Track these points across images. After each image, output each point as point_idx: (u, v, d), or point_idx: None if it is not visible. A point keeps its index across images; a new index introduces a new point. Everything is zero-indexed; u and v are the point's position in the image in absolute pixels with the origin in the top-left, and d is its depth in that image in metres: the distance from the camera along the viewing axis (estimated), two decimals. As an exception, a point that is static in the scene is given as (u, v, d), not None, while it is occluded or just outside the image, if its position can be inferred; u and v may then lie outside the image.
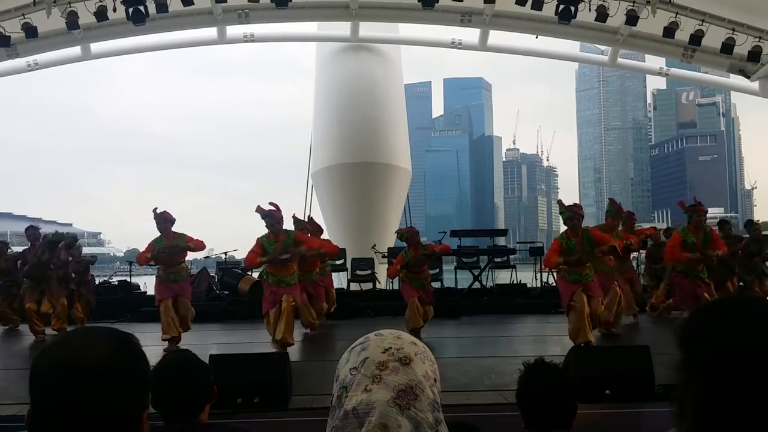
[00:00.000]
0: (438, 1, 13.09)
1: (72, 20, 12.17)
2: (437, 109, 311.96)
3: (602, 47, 17.97)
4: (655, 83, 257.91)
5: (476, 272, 14.13)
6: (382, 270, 14.89)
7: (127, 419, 1.10)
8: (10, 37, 12.42)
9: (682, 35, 13.37)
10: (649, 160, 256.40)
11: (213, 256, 17.67)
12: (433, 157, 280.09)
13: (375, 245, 13.96)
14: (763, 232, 10.96)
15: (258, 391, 5.06)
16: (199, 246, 9.14)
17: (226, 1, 13.10)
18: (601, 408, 4.84)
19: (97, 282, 13.22)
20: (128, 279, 15.22)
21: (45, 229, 10.83)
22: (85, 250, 12.63)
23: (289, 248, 8.11)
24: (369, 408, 1.09)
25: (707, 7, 13.13)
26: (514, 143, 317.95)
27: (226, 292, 12.73)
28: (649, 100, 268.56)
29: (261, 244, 8.20)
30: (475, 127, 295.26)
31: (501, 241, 18.57)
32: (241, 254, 15.62)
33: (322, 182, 20.40)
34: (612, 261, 8.99)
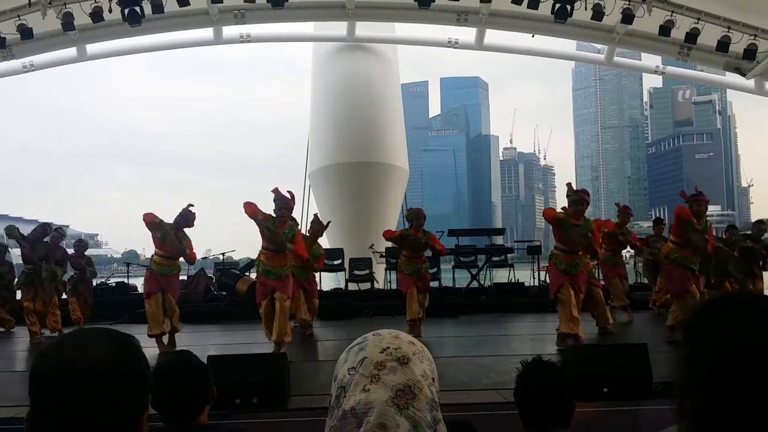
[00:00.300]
0: (434, 1, 13.10)
1: (67, 21, 12.16)
2: (434, 108, 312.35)
3: (598, 46, 17.99)
4: (652, 81, 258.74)
5: (474, 271, 14.13)
6: (380, 270, 14.90)
7: (127, 421, 1.10)
8: (5, 38, 12.41)
9: (678, 33, 13.40)
10: (646, 159, 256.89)
11: (211, 257, 17.68)
12: (430, 156, 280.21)
13: (373, 245, 13.95)
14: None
15: (256, 391, 5.05)
16: (192, 258, 9.15)
17: (222, 2, 13.10)
18: (598, 406, 4.84)
19: (94, 283, 13.18)
20: (126, 280, 15.19)
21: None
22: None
23: (281, 238, 8.02)
24: (367, 408, 1.09)
25: (703, 5, 13.16)
26: (511, 142, 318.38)
27: (224, 293, 12.72)
28: (646, 98, 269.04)
29: (269, 217, 7.99)
30: (472, 126, 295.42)
31: (498, 240, 18.59)
32: (238, 255, 15.63)
33: (319, 182, 20.40)
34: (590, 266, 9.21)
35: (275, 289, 7.96)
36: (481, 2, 13.42)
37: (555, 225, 8.20)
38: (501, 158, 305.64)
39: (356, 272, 14.17)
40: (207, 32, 15.24)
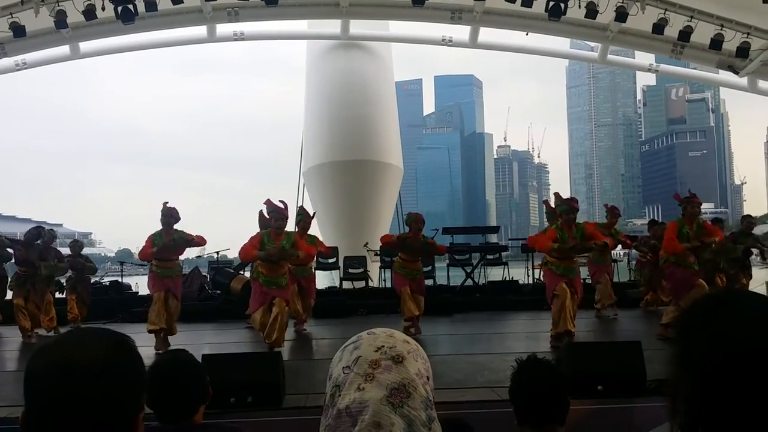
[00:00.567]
0: (428, -1, 13.11)
1: (60, 19, 12.12)
2: (428, 106, 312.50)
3: (592, 44, 18.03)
4: (645, 79, 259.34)
5: (468, 269, 14.14)
6: (374, 268, 14.90)
7: (122, 420, 1.09)
8: (-3, 36, 12.37)
9: (672, 31, 13.44)
10: (640, 156, 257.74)
11: (205, 256, 17.62)
12: (425, 154, 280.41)
13: (367, 243, 13.93)
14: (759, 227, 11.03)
15: (251, 390, 5.05)
16: (201, 241, 9.12)
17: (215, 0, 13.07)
18: (593, 404, 4.86)
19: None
20: (120, 279, 15.15)
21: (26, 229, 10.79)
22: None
23: (286, 252, 8.04)
24: (362, 406, 1.09)
25: (696, 3, 13.20)
26: (505, 140, 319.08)
27: (219, 292, 12.69)
28: (639, 96, 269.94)
29: (261, 238, 8.06)
30: (466, 124, 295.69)
31: (493, 238, 18.57)
32: (233, 253, 15.58)
33: (313, 180, 20.38)
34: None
35: (275, 297, 7.98)
36: (475, 0, 13.42)
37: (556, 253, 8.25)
38: (495, 156, 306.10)
39: (351, 271, 14.15)
40: (201, 30, 15.20)
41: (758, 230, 11.54)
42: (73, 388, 1.05)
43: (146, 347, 8.02)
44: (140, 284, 16.01)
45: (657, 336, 7.73)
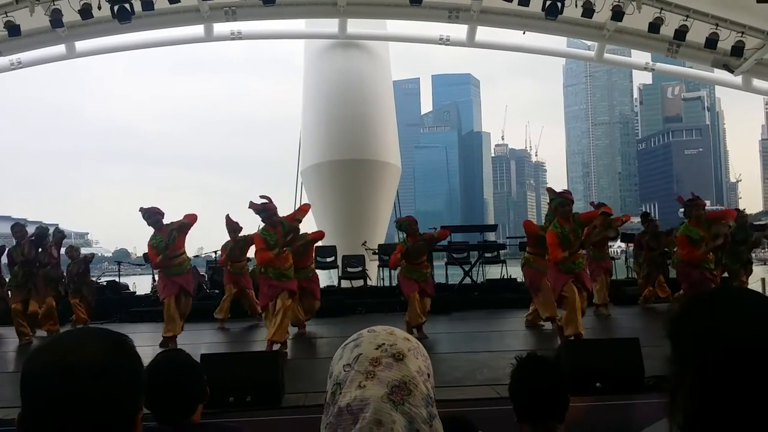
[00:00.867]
0: (425, -2, 13.11)
1: (56, 18, 12.08)
2: (426, 105, 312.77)
3: (589, 43, 18.04)
4: (642, 78, 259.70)
5: (467, 268, 14.15)
6: (372, 267, 14.89)
7: (120, 421, 1.09)
8: (-8, 35, 12.33)
9: (667, 30, 13.47)
10: (636, 155, 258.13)
11: (203, 255, 17.63)
12: (422, 153, 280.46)
13: (365, 242, 13.94)
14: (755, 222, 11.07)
15: (250, 389, 5.04)
16: (190, 218, 9.03)
17: (212, -1, 13.06)
18: (591, 400, 4.86)
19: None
20: (117, 279, 15.13)
21: (30, 229, 10.67)
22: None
23: (288, 237, 8.05)
24: (363, 404, 1.09)
25: (691, 2, 13.24)
26: (502, 139, 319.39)
27: (217, 291, 12.68)
28: (636, 94, 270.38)
29: (263, 239, 8.06)
30: (464, 123, 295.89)
31: (491, 236, 18.52)
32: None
33: (311, 179, 20.36)
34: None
35: (283, 289, 7.99)
36: (472, -1, 13.44)
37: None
38: (493, 155, 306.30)
39: (349, 269, 14.14)
40: (198, 29, 15.17)
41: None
42: (70, 389, 1.04)
43: (143, 347, 8.00)
44: (138, 284, 16.03)
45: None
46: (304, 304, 9.65)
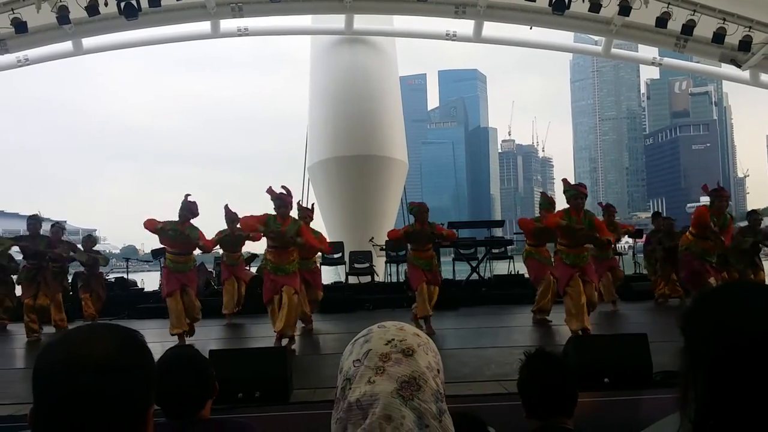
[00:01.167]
0: (431, -7, 13.07)
1: (62, 15, 12.09)
2: (432, 101, 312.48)
3: (596, 38, 17.97)
4: (649, 73, 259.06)
5: (474, 263, 14.14)
6: (380, 263, 14.91)
7: (132, 416, 1.09)
8: (-1, 32, 12.36)
9: (675, 25, 13.40)
10: (644, 150, 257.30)
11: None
12: (429, 149, 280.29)
13: (373, 238, 13.94)
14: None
15: (259, 385, 5.05)
16: (208, 247, 9.22)
17: (219, -5, 13.06)
18: (599, 396, 4.86)
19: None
20: (125, 276, 15.19)
21: (45, 225, 10.77)
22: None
23: (290, 237, 8.05)
24: (372, 399, 1.09)
25: (698, -3, 13.17)
26: (509, 134, 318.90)
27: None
28: (643, 89, 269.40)
29: (267, 219, 8.03)
30: (471, 118, 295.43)
31: (498, 232, 18.56)
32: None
33: (318, 176, 20.38)
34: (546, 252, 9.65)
35: (284, 284, 7.98)
36: (478, -6, 13.39)
37: (560, 231, 8.19)
38: (499, 150, 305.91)
39: (356, 265, 14.17)
40: (204, 25, 15.18)
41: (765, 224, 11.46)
42: (82, 384, 1.04)
43: (151, 343, 8.03)
44: (146, 280, 16.09)
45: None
46: (308, 295, 9.67)
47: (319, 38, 19.87)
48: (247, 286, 11.34)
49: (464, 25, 16.16)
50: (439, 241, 9.56)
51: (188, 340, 8.57)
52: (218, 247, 10.65)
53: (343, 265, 14.19)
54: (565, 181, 8.49)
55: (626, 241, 17.60)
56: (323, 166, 19.86)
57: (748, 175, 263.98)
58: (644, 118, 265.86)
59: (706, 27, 13.35)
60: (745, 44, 13.46)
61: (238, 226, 9.53)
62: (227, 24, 15.18)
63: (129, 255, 21.98)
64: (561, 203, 8.79)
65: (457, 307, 11.47)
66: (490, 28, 16.12)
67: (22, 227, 10.71)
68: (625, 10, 13.04)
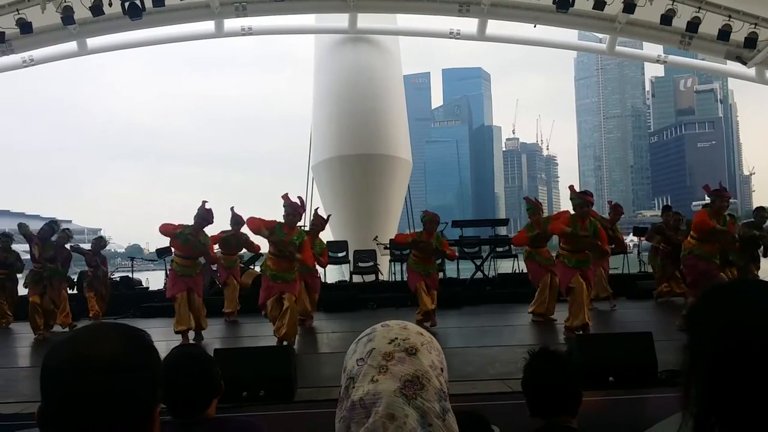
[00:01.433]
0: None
1: (67, 15, 12.13)
2: (436, 99, 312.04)
3: (600, 35, 17.92)
4: (654, 71, 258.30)
5: (478, 262, 14.13)
6: (384, 262, 14.90)
7: (138, 415, 1.10)
8: (4, 32, 12.39)
9: (680, 22, 13.37)
10: (649, 148, 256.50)
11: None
12: (433, 147, 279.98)
13: (377, 237, 13.93)
14: None
15: (263, 384, 5.07)
16: (213, 259, 9.54)
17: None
18: (604, 395, 4.85)
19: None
20: (130, 275, 15.22)
21: (37, 225, 10.89)
22: (86, 247, 12.63)
23: (289, 251, 8.06)
24: (376, 398, 1.09)
25: (704, -7, 13.12)
26: (513, 133, 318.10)
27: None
28: (648, 87, 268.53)
29: (274, 227, 8.07)
30: (475, 117, 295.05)
31: (502, 230, 18.49)
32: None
33: (322, 174, 20.37)
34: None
35: (283, 291, 8.02)
36: (482, -8, 13.37)
37: (564, 237, 8.28)
38: (504, 149, 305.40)
39: (360, 264, 14.17)
40: (208, 25, 15.21)
41: None
42: (89, 383, 1.05)
43: (160, 342, 8.05)
44: (150, 280, 16.12)
45: (677, 327, 7.63)
46: (309, 297, 9.93)
47: (323, 37, 19.86)
48: (252, 284, 11.37)
49: (468, 23, 16.16)
50: (440, 255, 9.74)
51: (193, 340, 8.60)
52: (217, 246, 10.69)
53: (347, 264, 14.19)
54: (571, 188, 8.59)
55: (631, 239, 17.57)
56: (327, 165, 19.86)
57: (754, 173, 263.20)
58: (649, 116, 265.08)
59: (711, 24, 13.30)
60: (751, 41, 13.41)
61: (244, 226, 9.63)
62: (231, 23, 15.20)
63: (134, 254, 22.04)
64: (562, 204, 8.84)
65: (461, 306, 11.48)
66: (494, 26, 16.10)
67: (29, 226, 10.76)
68: (629, 7, 13.02)
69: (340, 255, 14.15)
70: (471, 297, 12.15)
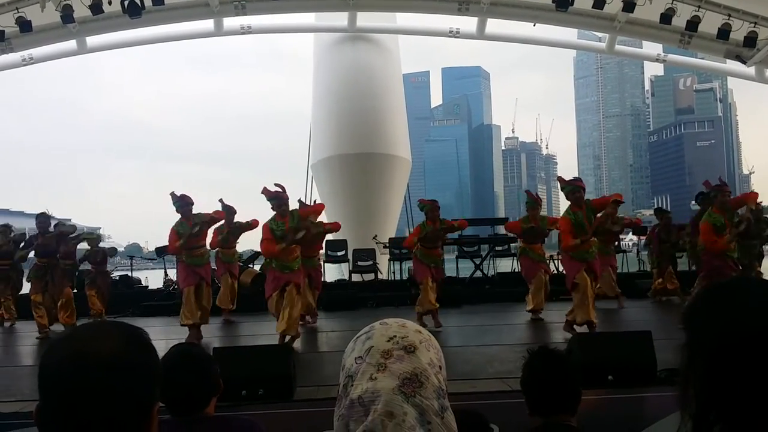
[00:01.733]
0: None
1: (67, 14, 12.11)
2: (436, 98, 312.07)
3: (600, 34, 17.91)
4: (653, 70, 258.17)
5: (477, 261, 14.13)
6: (383, 260, 14.90)
7: (137, 413, 1.10)
8: (4, 31, 12.36)
9: (679, 21, 13.35)
10: (648, 147, 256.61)
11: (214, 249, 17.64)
12: (433, 146, 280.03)
13: (376, 236, 13.94)
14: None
15: (262, 382, 5.07)
16: (220, 215, 9.33)
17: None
18: (603, 393, 4.85)
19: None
20: (129, 273, 15.21)
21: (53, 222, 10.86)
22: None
23: (299, 226, 8.06)
24: (374, 396, 1.09)
25: (704, -8, 13.12)
26: (513, 132, 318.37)
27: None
28: (647, 86, 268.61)
29: (270, 229, 8.07)
30: (474, 116, 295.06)
31: (501, 229, 18.49)
32: (241, 247, 15.63)
33: (322, 173, 20.37)
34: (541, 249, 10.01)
35: (288, 281, 8.01)
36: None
37: (573, 232, 8.24)
38: (503, 148, 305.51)
39: (360, 263, 14.16)
40: (207, 23, 15.19)
41: None
42: (88, 381, 1.05)
43: (159, 340, 8.05)
44: (150, 278, 16.12)
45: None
46: (311, 294, 9.80)
47: (322, 36, 19.85)
48: (252, 283, 11.36)
49: (467, 22, 16.14)
50: (451, 233, 9.71)
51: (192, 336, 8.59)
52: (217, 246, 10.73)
53: (347, 263, 14.19)
54: (560, 179, 8.57)
55: (630, 238, 17.59)
56: (326, 164, 19.85)
57: (754, 172, 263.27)
58: (648, 115, 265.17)
59: (710, 23, 13.29)
60: (751, 40, 13.41)
61: (236, 221, 9.89)
62: (230, 22, 15.18)
63: (133, 253, 22.02)
64: (562, 204, 8.84)
65: (461, 305, 11.47)
66: (494, 25, 16.10)
67: (27, 225, 10.76)
68: (629, 6, 13.01)
69: (339, 254, 14.15)
70: (470, 296, 12.15)
